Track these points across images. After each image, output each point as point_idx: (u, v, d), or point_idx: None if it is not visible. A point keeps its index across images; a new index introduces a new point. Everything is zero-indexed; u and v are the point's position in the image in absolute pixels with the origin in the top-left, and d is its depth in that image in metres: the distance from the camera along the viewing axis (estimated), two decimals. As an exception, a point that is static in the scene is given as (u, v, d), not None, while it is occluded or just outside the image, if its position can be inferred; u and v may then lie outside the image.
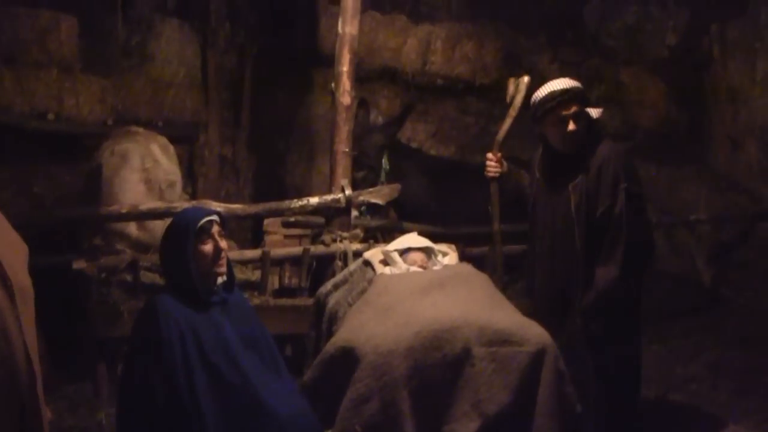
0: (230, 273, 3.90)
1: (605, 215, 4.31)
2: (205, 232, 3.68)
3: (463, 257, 5.98)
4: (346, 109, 6.26)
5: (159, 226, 6.27)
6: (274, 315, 5.88)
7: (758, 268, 7.82)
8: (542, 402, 3.96)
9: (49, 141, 7.56)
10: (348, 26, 6.27)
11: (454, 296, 4.30)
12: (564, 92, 4.38)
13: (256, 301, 6.00)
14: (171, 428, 3.48)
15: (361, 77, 8.41)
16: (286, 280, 6.31)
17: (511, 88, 5.10)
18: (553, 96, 4.40)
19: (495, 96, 8.94)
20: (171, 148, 7.23)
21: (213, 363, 3.57)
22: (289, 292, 6.26)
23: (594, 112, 4.49)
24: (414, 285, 4.40)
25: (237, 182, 8.90)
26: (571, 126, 4.36)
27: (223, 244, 3.74)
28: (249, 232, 8.12)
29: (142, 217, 6.11)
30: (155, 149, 6.80)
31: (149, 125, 7.97)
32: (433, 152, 8.91)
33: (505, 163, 5.01)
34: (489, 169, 4.97)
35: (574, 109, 4.36)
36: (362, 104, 7.31)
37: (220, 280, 3.82)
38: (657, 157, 8.72)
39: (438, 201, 7.38)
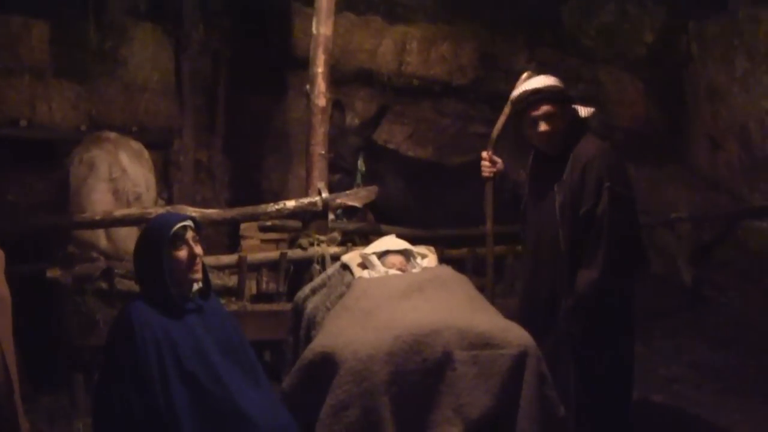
0: (206, 279, 3.83)
1: (588, 215, 4.22)
2: (179, 238, 3.62)
3: (442, 259, 5.95)
4: (322, 110, 6.22)
5: (126, 236, 6.23)
6: (252, 321, 5.81)
7: (739, 268, 7.81)
8: (525, 405, 3.90)
9: (22, 148, 7.47)
10: (322, 27, 6.24)
11: (434, 299, 4.25)
12: (534, 92, 4.34)
13: (234, 307, 5.95)
14: None
15: (336, 79, 8.37)
16: (264, 285, 6.25)
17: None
18: (522, 97, 4.39)
19: (472, 97, 8.94)
20: (145, 153, 7.20)
21: (189, 371, 3.49)
22: (267, 298, 6.20)
23: (583, 111, 4.46)
24: (393, 289, 4.34)
25: (213, 187, 8.86)
26: (543, 127, 4.31)
27: (197, 249, 3.67)
28: (226, 237, 8.05)
29: (116, 223, 6.04)
30: (124, 158, 6.74)
31: (123, 131, 7.93)
32: (410, 153, 8.88)
33: (499, 163, 4.93)
34: (483, 168, 4.90)
35: (544, 109, 4.30)
36: (337, 106, 7.27)
37: (195, 286, 3.76)
38: (637, 157, 8.70)
39: (415, 203, 7.36)
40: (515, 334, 4.03)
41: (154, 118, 8.50)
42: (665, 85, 8.70)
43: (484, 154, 4.92)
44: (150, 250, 3.61)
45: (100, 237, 6.31)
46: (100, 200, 6.48)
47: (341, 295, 4.53)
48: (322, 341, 4.10)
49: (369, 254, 4.83)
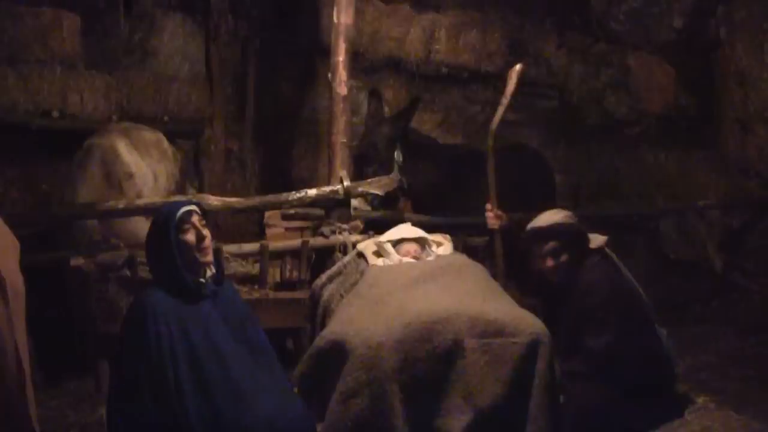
0: (219, 265, 3.89)
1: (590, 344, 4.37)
2: (185, 222, 3.69)
3: (464, 247, 5.94)
4: (343, 99, 6.23)
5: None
6: (275, 308, 5.86)
7: (768, 255, 7.72)
8: (537, 394, 3.89)
9: (54, 138, 7.55)
10: (343, 16, 6.24)
11: (446, 287, 4.25)
12: (539, 230, 4.55)
13: (256, 294, 5.96)
14: (158, 427, 3.43)
15: (365, 68, 8.41)
16: (288, 273, 6.25)
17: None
18: (531, 234, 4.59)
19: (501, 84, 8.86)
20: (164, 143, 7.22)
21: (201, 358, 3.54)
22: (290, 285, 6.20)
23: (595, 241, 4.62)
24: (405, 276, 4.36)
25: (243, 176, 8.91)
26: (548, 263, 4.51)
27: (204, 232, 3.73)
28: (256, 225, 8.08)
29: (140, 212, 6.06)
30: (121, 145, 6.73)
31: (154, 121, 8.04)
32: (440, 141, 8.85)
33: (504, 217, 5.06)
34: (489, 221, 5.03)
35: (550, 245, 4.50)
36: (373, 94, 7.24)
37: (208, 272, 3.80)
38: (666, 143, 8.64)
39: (453, 190, 7.29)
40: (527, 323, 4.02)
41: (184, 108, 8.55)
42: (694, 70, 8.62)
43: (489, 205, 5.05)
44: (159, 237, 3.68)
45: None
46: (91, 184, 6.51)
47: (355, 283, 4.56)
48: (332, 329, 4.12)
49: (384, 242, 4.84)
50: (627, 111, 9.02)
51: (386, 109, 8.30)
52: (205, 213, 3.86)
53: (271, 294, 6.05)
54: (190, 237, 3.68)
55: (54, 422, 5.25)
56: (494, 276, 4.84)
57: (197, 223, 3.71)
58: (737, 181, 8.14)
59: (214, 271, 3.83)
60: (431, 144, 8.05)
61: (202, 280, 3.75)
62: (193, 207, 3.77)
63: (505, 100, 4.90)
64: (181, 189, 7.41)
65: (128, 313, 3.69)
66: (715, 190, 8.18)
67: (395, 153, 7.13)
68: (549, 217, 4.59)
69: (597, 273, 4.52)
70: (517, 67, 4.95)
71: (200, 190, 8.10)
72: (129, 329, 3.60)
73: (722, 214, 8.10)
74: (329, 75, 6.29)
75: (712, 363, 6.26)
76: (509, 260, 4.97)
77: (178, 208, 3.72)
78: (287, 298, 5.99)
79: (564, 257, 4.50)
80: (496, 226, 4.98)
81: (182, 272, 3.63)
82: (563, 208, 4.90)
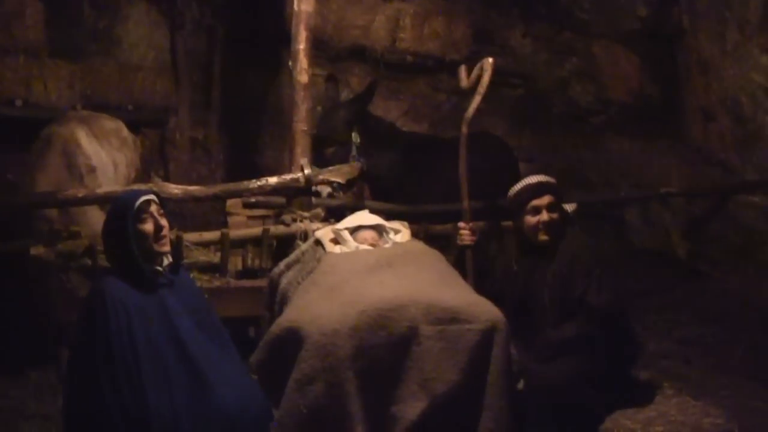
0: (177, 254, 3.97)
1: (578, 302, 4.40)
2: (143, 212, 3.68)
3: (426, 235, 5.93)
4: (304, 87, 6.19)
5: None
6: (236, 297, 5.79)
7: (733, 243, 7.74)
8: (493, 381, 3.90)
9: (18, 128, 7.46)
10: (304, 3, 6.20)
11: (402, 274, 4.24)
12: (538, 184, 4.61)
13: (218, 283, 5.92)
14: (116, 416, 3.41)
15: (330, 56, 8.39)
16: (250, 262, 6.22)
17: (462, 74, 5.18)
18: (527, 188, 4.61)
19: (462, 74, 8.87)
20: (124, 131, 7.20)
21: (160, 346, 3.56)
22: (252, 274, 6.17)
23: (568, 207, 4.78)
24: (361, 264, 4.35)
25: (209, 165, 8.90)
26: (545, 216, 4.52)
27: (163, 221, 3.72)
28: (222, 214, 8.04)
29: (100, 200, 6.01)
30: (81, 134, 6.68)
31: (119, 109, 8.03)
32: (405, 130, 8.84)
33: (477, 232, 5.02)
34: (463, 237, 4.93)
35: (548, 199, 4.54)
36: (330, 79, 7.23)
37: (166, 261, 3.79)
38: (630, 131, 8.66)
39: (410, 177, 7.29)
40: (483, 309, 4.02)
41: (149, 97, 8.58)
42: (659, 59, 8.64)
43: (462, 223, 4.96)
44: (116, 225, 3.68)
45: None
46: (52, 174, 6.47)
47: (312, 271, 4.53)
48: (288, 316, 4.12)
49: (341, 230, 4.82)
50: (592, 100, 9.05)
51: (350, 96, 8.30)
52: (164, 202, 3.85)
53: (233, 282, 6.00)
54: (148, 227, 3.68)
55: (15, 412, 5.26)
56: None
57: (155, 213, 3.71)
58: (700, 169, 8.17)
59: (171, 259, 3.82)
60: (391, 130, 8.03)
61: (159, 268, 3.75)
62: (151, 196, 3.76)
63: (482, 89, 4.88)
64: (143, 177, 7.37)
65: (85, 301, 3.69)
66: (678, 179, 8.20)
67: (353, 135, 7.10)
68: (541, 176, 4.68)
69: (581, 236, 4.67)
70: (490, 60, 4.96)
71: (165, 179, 8.04)
72: (86, 318, 3.59)
73: (686, 202, 8.13)
74: (290, 63, 6.24)
75: (674, 350, 6.27)
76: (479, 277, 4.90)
77: (137, 198, 3.71)
78: (248, 287, 5.94)
79: (557, 214, 4.54)
80: (470, 243, 4.89)
81: (139, 261, 3.63)
82: None
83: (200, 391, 3.55)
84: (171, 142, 8.72)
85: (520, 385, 4.07)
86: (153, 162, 8.64)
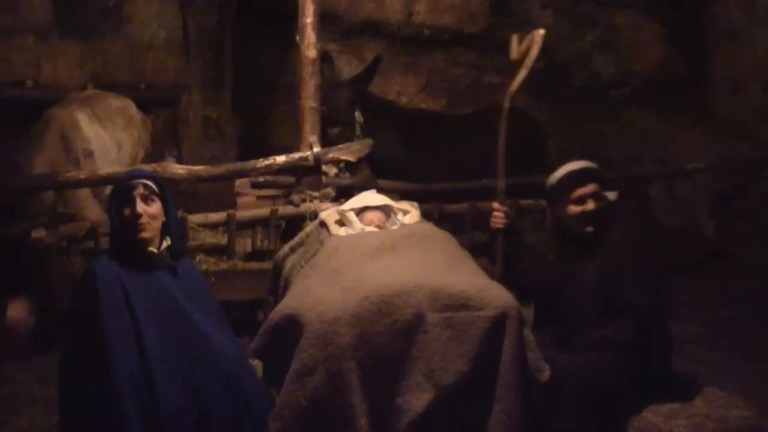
0: (177, 239, 3.79)
1: (623, 299, 4.11)
2: (126, 195, 3.60)
3: (440, 215, 5.74)
4: (312, 62, 6.03)
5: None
6: (244, 279, 5.75)
7: (762, 220, 7.56)
8: (504, 371, 3.67)
9: (29, 109, 7.38)
10: (310, -24, 6.01)
11: (408, 258, 4.04)
12: (582, 171, 4.28)
13: (224, 265, 5.85)
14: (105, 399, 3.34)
15: (343, 30, 8.23)
16: (259, 243, 6.09)
17: (514, 44, 4.81)
18: (570, 175, 4.29)
19: (485, 46, 8.68)
20: (132, 110, 7.18)
21: (156, 318, 3.51)
22: (260, 256, 6.03)
23: (610, 195, 4.43)
24: (365, 247, 4.14)
25: (222, 143, 8.76)
26: (591, 205, 4.21)
27: (139, 208, 3.59)
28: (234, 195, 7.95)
29: (101, 182, 5.90)
30: (81, 116, 6.58)
31: (130, 89, 8.00)
32: (423, 106, 8.71)
33: (512, 215, 4.72)
34: (495, 220, 4.62)
35: (592, 187, 4.23)
36: (325, 58, 7.08)
37: (164, 244, 3.72)
38: (654, 105, 8.47)
39: (413, 155, 7.15)
40: (494, 295, 3.79)
41: (161, 76, 8.56)
42: (684, 29, 8.43)
43: (496, 204, 4.64)
44: (109, 204, 3.68)
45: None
46: (49, 156, 6.40)
47: (316, 254, 4.34)
48: (287, 302, 3.93)
49: (346, 211, 4.64)
50: (614, 72, 8.88)
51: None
52: (162, 188, 3.70)
53: (240, 265, 5.91)
54: (127, 212, 3.58)
55: (19, 398, 5.21)
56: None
57: (138, 197, 3.59)
58: (728, 143, 7.96)
59: (169, 243, 3.73)
60: (393, 107, 7.88)
61: (154, 250, 3.66)
62: (141, 180, 3.64)
63: (529, 63, 4.63)
64: (155, 157, 7.30)
65: (79, 280, 3.67)
66: (705, 153, 7.98)
67: (356, 114, 6.94)
68: (584, 162, 4.35)
69: (629, 227, 4.34)
70: (541, 31, 4.71)
71: (179, 159, 7.99)
72: (79, 298, 3.57)
73: (713, 177, 7.93)
74: (297, 38, 6.05)
75: (700, 334, 6.15)
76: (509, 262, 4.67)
77: (125, 180, 3.66)
78: (256, 269, 5.82)
79: (601, 203, 4.23)
80: (502, 226, 4.59)
81: (123, 242, 3.61)
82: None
83: (200, 343, 3.54)
84: (183, 120, 8.63)
85: (545, 375, 3.81)
86: (166, 141, 8.54)
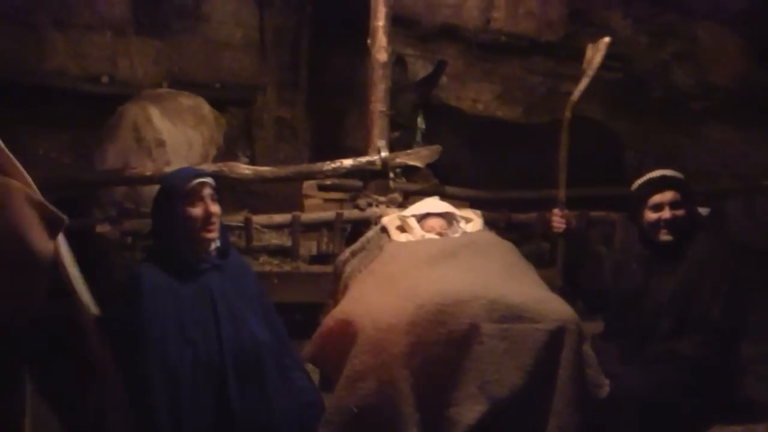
0: (225, 239, 3.69)
1: (701, 316, 4.03)
2: (195, 195, 3.50)
3: (508, 224, 5.67)
4: (382, 66, 5.96)
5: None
6: (307, 282, 5.73)
7: None
8: (561, 386, 3.63)
9: (103, 104, 7.39)
10: (383, -21, 5.97)
11: (466, 267, 3.98)
12: (661, 178, 4.24)
13: (287, 267, 5.83)
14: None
15: (421, 35, 8.15)
16: (324, 246, 6.07)
17: (589, 53, 4.81)
18: (649, 182, 4.27)
19: (562, 54, 8.55)
20: (205, 108, 7.19)
21: (191, 339, 3.38)
22: (325, 259, 6.01)
23: (702, 210, 4.39)
24: (423, 254, 4.10)
25: (296, 145, 8.81)
26: (667, 214, 4.15)
27: (213, 207, 3.53)
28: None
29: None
30: (154, 110, 6.62)
31: (205, 87, 8.01)
32: (499, 114, 8.64)
33: (573, 220, 4.74)
34: (554, 224, 4.66)
35: (670, 195, 4.17)
36: (398, 61, 7.03)
37: (213, 245, 3.61)
38: (733, 118, 8.23)
39: (474, 163, 7.05)
40: (553, 308, 3.75)
41: (236, 75, 8.54)
42: (767, 42, 8.17)
43: (556, 210, 4.67)
44: (165, 205, 3.53)
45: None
46: (121, 148, 6.47)
47: (375, 259, 4.32)
48: (343, 308, 3.95)
49: (408, 217, 4.59)
50: (693, 84, 8.64)
51: (445, 79, 8.07)
52: (219, 188, 3.65)
53: (303, 267, 5.89)
54: (198, 212, 3.50)
55: None
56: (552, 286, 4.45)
57: (207, 198, 3.52)
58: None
59: (218, 244, 3.64)
60: (457, 113, 7.77)
61: (205, 254, 3.57)
62: (207, 179, 3.58)
63: (591, 72, 4.57)
64: (228, 156, 7.31)
65: (123, 289, 3.49)
66: (785, 169, 7.77)
67: (418, 119, 6.88)
68: (667, 170, 4.31)
69: (715, 243, 4.22)
70: (606, 39, 4.65)
71: (252, 159, 7.97)
72: (120, 308, 3.39)
73: (795, 196, 7.69)
74: (368, 41, 6.02)
75: (773, 355, 5.92)
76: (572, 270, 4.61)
77: (190, 178, 3.54)
78: (319, 272, 5.80)
79: (681, 212, 4.15)
80: (561, 230, 4.63)
81: (182, 246, 3.48)
82: None
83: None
84: (257, 121, 8.67)
85: (604, 391, 3.75)
86: (240, 141, 8.58)
